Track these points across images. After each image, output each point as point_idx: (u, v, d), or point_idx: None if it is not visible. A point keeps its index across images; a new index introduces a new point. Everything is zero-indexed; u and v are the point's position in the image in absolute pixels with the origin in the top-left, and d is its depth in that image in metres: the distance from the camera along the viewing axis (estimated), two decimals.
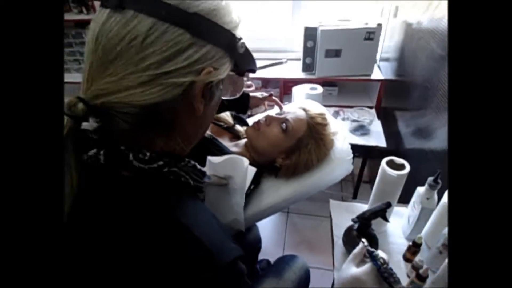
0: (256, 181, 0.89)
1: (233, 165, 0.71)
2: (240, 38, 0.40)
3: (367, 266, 0.52)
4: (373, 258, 0.52)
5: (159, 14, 0.33)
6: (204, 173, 0.45)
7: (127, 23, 0.33)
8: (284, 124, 0.86)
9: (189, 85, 0.36)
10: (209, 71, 0.36)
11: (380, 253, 0.53)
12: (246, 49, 0.42)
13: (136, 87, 0.33)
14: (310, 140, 0.89)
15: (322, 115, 0.94)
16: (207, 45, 0.36)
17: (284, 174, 0.91)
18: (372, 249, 0.53)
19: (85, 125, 0.37)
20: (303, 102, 1.10)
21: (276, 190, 0.90)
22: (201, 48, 0.35)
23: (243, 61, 0.42)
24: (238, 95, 0.53)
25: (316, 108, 0.98)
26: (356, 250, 0.56)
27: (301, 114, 0.91)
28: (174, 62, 0.34)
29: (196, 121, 0.42)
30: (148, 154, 0.38)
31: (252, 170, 0.78)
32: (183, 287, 0.35)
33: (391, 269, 0.51)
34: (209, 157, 0.72)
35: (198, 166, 0.44)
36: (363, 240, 0.56)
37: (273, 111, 0.97)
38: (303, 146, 0.88)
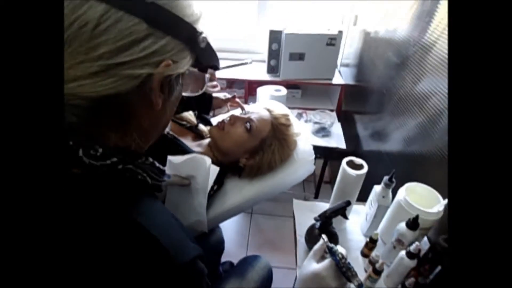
0: (220, 181, 0.88)
1: (195, 165, 0.69)
2: (202, 32, 0.39)
3: (326, 262, 0.53)
4: (332, 253, 0.53)
5: (112, 1, 0.31)
6: (163, 171, 0.43)
7: (76, 8, 0.30)
8: (248, 123, 0.86)
9: (146, 77, 0.34)
10: (168, 64, 0.34)
11: (339, 249, 0.55)
12: (208, 44, 0.41)
13: (86, 78, 0.30)
14: (274, 141, 0.90)
15: (286, 116, 0.95)
16: (166, 37, 0.34)
17: (247, 175, 0.91)
18: (332, 245, 0.55)
19: None
20: (268, 103, 1.11)
21: (240, 191, 0.90)
22: (159, 39, 0.33)
23: (205, 56, 0.41)
24: (200, 92, 0.51)
25: (280, 109, 0.99)
26: (317, 246, 0.58)
27: (265, 114, 0.91)
28: (129, 52, 0.32)
29: (154, 116, 0.39)
30: (100, 150, 0.35)
31: (215, 170, 0.77)
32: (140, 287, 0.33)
33: (349, 263, 0.53)
34: (169, 157, 0.69)
35: (157, 164, 0.42)
36: (323, 236, 0.57)
37: (237, 112, 0.96)
38: (267, 146, 0.88)
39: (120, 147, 0.37)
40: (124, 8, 0.31)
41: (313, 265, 0.54)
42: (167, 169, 0.70)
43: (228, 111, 1.14)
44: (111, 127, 0.36)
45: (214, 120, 1.08)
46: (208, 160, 0.70)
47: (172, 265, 0.34)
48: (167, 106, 0.40)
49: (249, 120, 0.87)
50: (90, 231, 0.32)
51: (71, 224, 0.32)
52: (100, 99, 0.32)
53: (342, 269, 0.52)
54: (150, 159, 0.41)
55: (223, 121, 0.88)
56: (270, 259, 0.95)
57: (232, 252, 1.47)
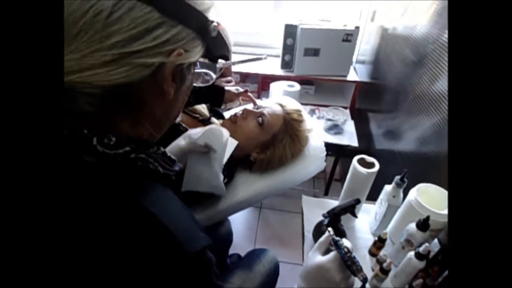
0: (230, 174, 0.89)
1: (213, 136, 0.72)
2: (213, 21, 0.38)
3: (331, 255, 0.54)
4: (338, 246, 0.53)
5: None
6: (174, 161, 0.43)
7: None
8: (260, 118, 0.86)
9: (158, 66, 0.34)
10: (180, 53, 0.34)
11: (345, 242, 0.54)
12: (219, 33, 0.40)
13: (101, 66, 0.31)
14: (285, 136, 0.90)
15: (298, 111, 0.95)
16: (178, 26, 0.34)
17: (258, 169, 0.91)
18: (337, 238, 0.55)
19: None
20: (281, 98, 1.11)
21: (250, 185, 0.90)
22: (171, 28, 0.33)
23: (216, 46, 0.40)
24: (210, 82, 0.51)
25: (292, 104, 0.99)
26: (322, 238, 0.58)
27: (278, 109, 0.91)
28: (142, 41, 0.32)
29: (166, 105, 0.39)
30: (113, 139, 0.35)
31: (233, 143, 0.79)
32: (150, 276, 0.34)
33: (354, 257, 0.53)
34: (189, 130, 0.72)
35: (168, 154, 0.43)
36: (329, 229, 0.58)
37: (249, 106, 0.97)
38: (278, 141, 0.88)
39: (133, 136, 0.38)
40: None
41: (318, 257, 0.54)
42: (183, 141, 0.73)
43: (240, 105, 1.15)
44: (124, 116, 0.37)
45: (227, 114, 1.09)
46: (226, 132, 0.73)
47: (182, 254, 0.35)
48: (178, 95, 0.40)
49: (262, 114, 0.87)
50: (101, 219, 0.33)
51: (82, 212, 0.33)
52: (113, 87, 0.32)
53: (347, 263, 0.52)
54: (162, 149, 0.42)
55: (235, 114, 0.89)
56: (277, 254, 0.96)
57: (240, 245, 1.49)
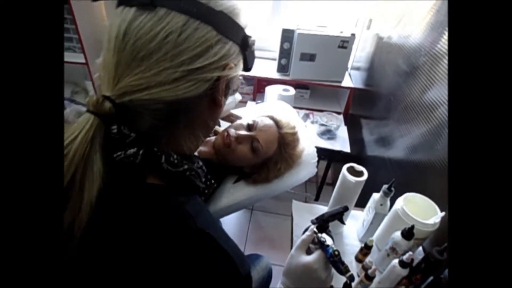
0: (219, 181, 0.89)
1: None
2: (250, 36, 0.42)
3: (317, 254, 0.55)
4: (326, 247, 0.55)
5: (191, 12, 0.34)
6: (207, 174, 0.46)
7: (161, 20, 0.33)
8: (254, 144, 0.85)
9: (215, 80, 0.37)
10: (231, 67, 0.38)
11: (327, 241, 0.56)
12: (253, 48, 0.44)
13: (170, 83, 0.34)
14: (280, 159, 0.89)
15: (294, 134, 0.92)
16: (229, 42, 0.38)
17: (253, 182, 0.92)
18: (323, 238, 0.56)
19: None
20: (275, 107, 1.10)
21: (241, 189, 0.91)
22: (225, 44, 0.37)
23: (251, 58, 0.44)
24: (234, 94, 0.53)
25: (287, 119, 0.94)
26: (305, 236, 0.59)
27: (272, 132, 0.88)
28: (205, 58, 0.35)
29: (213, 115, 0.43)
30: (175, 156, 0.38)
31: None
32: None
33: (341, 258, 0.54)
34: None
35: (204, 167, 0.45)
36: (314, 227, 0.59)
37: (244, 110, 0.95)
38: (272, 163, 0.89)
39: (186, 152, 0.41)
40: (200, 17, 0.35)
41: (303, 257, 0.56)
42: None
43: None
44: (183, 128, 0.39)
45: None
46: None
47: (238, 276, 0.37)
48: (222, 106, 0.43)
49: (255, 140, 0.84)
50: (164, 241, 0.35)
51: (147, 231, 0.35)
52: (177, 102, 0.35)
53: (336, 264, 0.54)
54: (200, 162, 0.44)
55: (228, 135, 0.85)
56: (267, 256, 0.97)
57: None
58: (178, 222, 0.36)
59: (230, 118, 1.00)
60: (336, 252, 0.54)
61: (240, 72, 0.42)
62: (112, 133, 0.35)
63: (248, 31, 0.42)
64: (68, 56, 1.69)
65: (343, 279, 0.55)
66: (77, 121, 0.34)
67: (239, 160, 0.87)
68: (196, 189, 0.42)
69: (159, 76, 0.33)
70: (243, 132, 0.84)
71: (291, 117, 0.96)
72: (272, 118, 0.91)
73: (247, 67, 0.45)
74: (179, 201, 0.38)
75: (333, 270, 0.57)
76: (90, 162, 0.33)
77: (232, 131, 0.85)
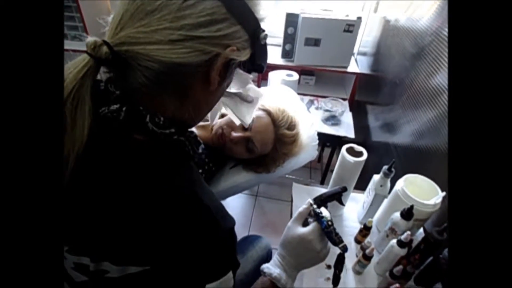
0: (219, 164, 0.90)
1: None
2: (264, 30, 0.42)
3: (312, 226, 0.57)
4: (320, 218, 0.57)
5: None
6: (199, 143, 0.47)
7: None
8: (249, 145, 0.84)
9: (214, 56, 0.37)
10: (234, 49, 0.38)
11: (324, 212, 0.57)
12: (265, 44, 0.44)
13: (166, 43, 0.34)
14: (276, 156, 0.89)
15: (292, 136, 0.89)
16: (237, 25, 0.38)
17: (254, 170, 0.92)
18: (319, 210, 0.58)
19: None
20: (278, 93, 1.07)
21: (240, 172, 0.92)
22: (232, 25, 0.37)
23: (260, 54, 0.44)
24: (241, 90, 0.55)
25: (285, 119, 0.89)
26: (302, 209, 0.60)
27: (268, 133, 0.86)
28: (207, 29, 0.35)
29: (206, 96, 0.42)
30: (162, 118, 0.38)
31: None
32: (188, 245, 0.37)
33: (334, 228, 0.56)
34: None
35: (198, 137, 0.46)
36: (310, 200, 0.60)
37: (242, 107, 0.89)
38: (270, 159, 0.89)
39: (176, 117, 0.41)
40: None
41: (299, 229, 0.57)
42: None
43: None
44: (172, 95, 0.39)
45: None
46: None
47: (218, 229, 0.39)
48: (218, 90, 0.43)
49: (251, 141, 0.83)
50: (148, 194, 0.37)
51: (130, 186, 0.37)
52: (170, 65, 0.35)
53: (330, 234, 0.55)
54: (195, 132, 0.45)
55: (223, 133, 0.84)
56: (270, 241, 0.97)
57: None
58: (159, 176, 0.38)
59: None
60: (330, 223, 0.56)
61: (244, 58, 0.41)
62: (99, 90, 0.37)
63: (263, 25, 0.42)
64: (74, 45, 1.72)
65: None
66: (74, 60, 0.35)
67: (235, 156, 0.88)
68: (186, 156, 0.43)
69: (157, 34, 0.34)
70: (237, 134, 0.82)
71: (291, 108, 0.93)
72: (269, 114, 0.87)
73: (255, 63, 0.44)
74: (161, 157, 0.39)
75: (330, 245, 0.57)
76: (82, 99, 0.34)
77: (227, 131, 0.83)
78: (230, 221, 0.43)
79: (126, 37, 0.34)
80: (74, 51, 1.61)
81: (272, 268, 0.56)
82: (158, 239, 0.36)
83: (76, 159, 0.33)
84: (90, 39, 0.34)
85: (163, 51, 0.34)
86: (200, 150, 0.48)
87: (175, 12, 0.34)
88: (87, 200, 0.37)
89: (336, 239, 0.55)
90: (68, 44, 1.78)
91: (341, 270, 0.58)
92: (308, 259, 0.57)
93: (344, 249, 0.54)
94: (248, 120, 0.72)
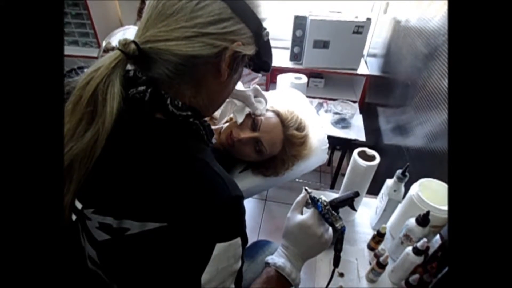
0: (229, 167, 0.89)
1: None
2: (265, 28, 0.48)
3: (310, 212, 0.58)
4: (315, 202, 0.57)
5: None
6: (213, 134, 0.52)
7: None
8: (258, 146, 0.84)
9: (222, 49, 0.43)
10: (239, 44, 0.44)
11: (323, 198, 0.58)
12: (269, 41, 0.50)
13: (182, 39, 0.41)
14: (286, 157, 0.88)
15: (301, 137, 0.88)
16: (241, 23, 0.44)
17: (262, 175, 0.91)
18: (314, 195, 0.59)
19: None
20: (286, 96, 1.06)
21: (249, 177, 0.90)
22: (237, 23, 0.44)
23: (265, 51, 0.49)
24: (249, 89, 0.57)
25: (294, 120, 0.89)
26: (299, 198, 0.62)
27: (277, 134, 0.85)
28: (216, 27, 0.42)
29: (218, 87, 0.48)
30: (180, 103, 0.45)
31: None
32: (204, 206, 0.40)
33: (330, 209, 0.56)
34: None
35: (212, 127, 0.51)
36: (306, 188, 0.61)
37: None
38: (279, 160, 0.88)
39: (192, 105, 0.47)
40: None
41: (297, 217, 0.59)
42: None
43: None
44: (188, 83, 0.46)
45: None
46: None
47: (229, 196, 0.43)
48: (229, 82, 0.49)
49: (259, 142, 0.83)
50: (167, 164, 0.42)
51: (153, 156, 0.43)
52: (186, 58, 0.42)
53: (326, 216, 0.56)
54: (208, 122, 0.51)
55: (231, 134, 0.84)
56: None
57: None
58: (176, 146, 0.45)
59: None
60: (325, 203, 0.57)
61: (249, 52, 0.46)
62: (129, 76, 0.44)
63: (265, 24, 0.48)
64: (85, 51, 1.75)
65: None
66: (108, 54, 0.42)
67: (244, 158, 0.87)
68: (200, 138, 0.48)
69: (175, 32, 0.41)
70: (246, 135, 0.82)
71: (300, 110, 0.92)
72: (278, 114, 0.87)
73: (261, 59, 0.50)
74: (180, 133, 0.46)
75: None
76: (112, 82, 0.41)
77: (235, 132, 0.84)
78: (239, 191, 0.46)
79: (150, 36, 0.42)
80: (84, 57, 1.64)
81: (276, 258, 0.57)
82: (174, 198, 0.40)
83: (106, 133, 0.40)
84: (121, 38, 0.41)
85: (180, 46, 0.41)
86: (214, 141, 0.52)
87: (189, 13, 0.41)
88: (114, 166, 0.43)
89: (333, 219, 0.55)
90: (79, 51, 1.80)
91: (340, 250, 0.58)
92: (310, 245, 0.57)
93: (342, 227, 0.55)
94: (239, 119, 0.82)
